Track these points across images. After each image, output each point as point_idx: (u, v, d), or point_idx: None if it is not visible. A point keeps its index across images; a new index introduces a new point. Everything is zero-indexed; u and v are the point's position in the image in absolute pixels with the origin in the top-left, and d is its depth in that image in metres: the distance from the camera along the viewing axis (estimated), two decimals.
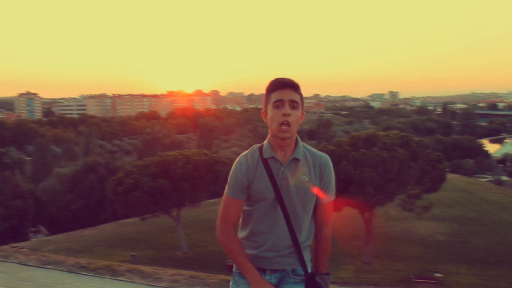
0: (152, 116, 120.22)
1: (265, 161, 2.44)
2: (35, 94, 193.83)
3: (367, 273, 28.18)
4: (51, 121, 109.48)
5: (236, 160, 2.52)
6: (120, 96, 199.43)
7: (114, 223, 39.34)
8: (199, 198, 30.81)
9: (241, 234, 2.58)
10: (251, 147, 2.55)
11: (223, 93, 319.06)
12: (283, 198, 2.41)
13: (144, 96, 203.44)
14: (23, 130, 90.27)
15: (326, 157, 2.51)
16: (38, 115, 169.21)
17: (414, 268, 28.43)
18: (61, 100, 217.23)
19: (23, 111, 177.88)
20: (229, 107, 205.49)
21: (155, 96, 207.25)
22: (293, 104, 2.39)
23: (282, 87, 2.40)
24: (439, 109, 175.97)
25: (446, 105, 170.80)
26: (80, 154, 67.78)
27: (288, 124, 2.36)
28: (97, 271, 8.06)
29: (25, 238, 39.98)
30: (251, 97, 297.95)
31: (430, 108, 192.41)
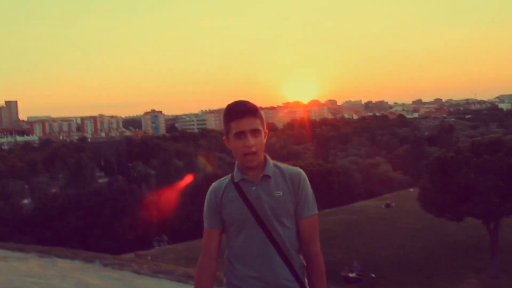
0: (270, 128, 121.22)
1: (236, 185, 2.41)
2: (159, 111, 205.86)
3: None
4: (173, 136, 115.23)
5: (209, 189, 2.51)
6: None
7: None
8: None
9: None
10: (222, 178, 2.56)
11: (339, 101, 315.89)
12: (260, 216, 2.34)
13: (261, 108, 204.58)
14: (149, 145, 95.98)
15: (298, 170, 2.45)
16: (162, 131, 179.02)
17: None
18: (183, 116, 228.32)
19: (149, 128, 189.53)
20: (346, 115, 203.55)
21: (271, 108, 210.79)
22: (255, 134, 2.34)
23: (240, 116, 2.33)
24: None
25: None
26: (200, 167, 70.55)
27: (253, 153, 2.33)
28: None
29: (150, 246, 42.28)
30: (368, 105, 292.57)
31: None
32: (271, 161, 2.45)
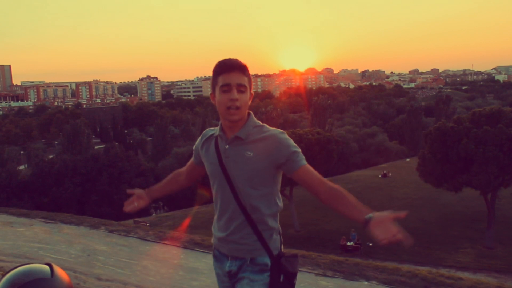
0: (265, 96, 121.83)
1: (215, 140, 2.51)
2: (155, 78, 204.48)
3: (488, 259, 26.66)
4: (169, 103, 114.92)
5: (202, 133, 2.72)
6: None
7: None
8: None
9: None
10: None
11: (336, 70, 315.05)
12: (229, 175, 2.42)
13: (257, 76, 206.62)
14: (144, 112, 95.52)
15: (274, 132, 2.41)
16: (158, 97, 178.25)
17: None
18: (178, 83, 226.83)
19: (145, 94, 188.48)
20: (342, 84, 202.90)
21: (268, 75, 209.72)
22: (241, 89, 2.36)
23: (229, 70, 2.36)
24: None
25: None
26: (197, 134, 70.48)
27: (236, 107, 2.36)
28: (211, 248, 8.24)
29: (147, 214, 42.42)
30: (365, 74, 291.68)
31: None
32: (253, 121, 2.46)
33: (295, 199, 31.95)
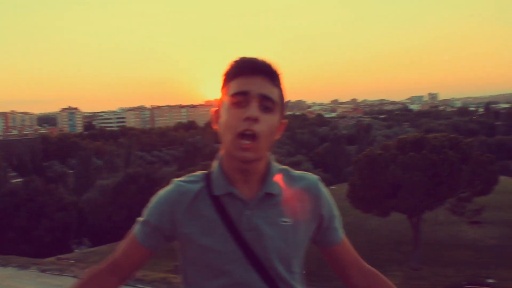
0: (190, 126, 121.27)
1: (216, 201, 1.45)
2: (76, 108, 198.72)
3: (415, 280, 27.45)
4: (92, 134, 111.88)
5: (166, 189, 1.52)
6: (158, 107, 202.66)
7: None
8: None
9: None
10: (191, 174, 1.55)
11: None
12: (259, 259, 1.44)
13: (182, 106, 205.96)
14: (65, 143, 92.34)
15: (315, 178, 1.55)
16: (79, 129, 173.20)
17: (465, 274, 27.54)
18: (101, 114, 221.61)
19: (65, 126, 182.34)
20: None
21: (192, 106, 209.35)
22: (266, 104, 1.40)
23: (250, 72, 1.41)
24: (481, 110, 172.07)
25: (489, 105, 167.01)
26: (121, 166, 68.74)
27: (253, 136, 1.36)
28: (153, 284, 7.85)
29: (69, 250, 40.62)
30: (287, 104, 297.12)
31: (472, 109, 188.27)
32: (276, 166, 1.52)
33: None
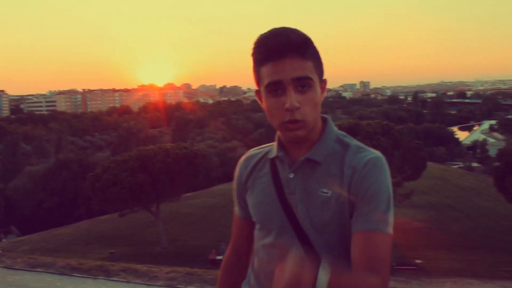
0: (124, 111, 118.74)
1: (272, 163, 1.54)
2: (2, 91, 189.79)
3: None
4: (19, 118, 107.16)
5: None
6: (90, 91, 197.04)
7: (89, 221, 38.65)
8: (179, 192, 30.51)
9: None
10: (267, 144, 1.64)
11: (195, 86, 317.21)
12: (299, 223, 1.45)
13: (115, 90, 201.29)
14: None
15: (371, 156, 1.42)
16: (6, 112, 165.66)
17: (394, 255, 28.54)
18: (29, 97, 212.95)
19: None
20: (201, 100, 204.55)
21: (126, 90, 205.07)
22: (302, 84, 1.37)
23: (277, 55, 1.37)
24: (409, 98, 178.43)
25: (417, 94, 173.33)
26: (52, 151, 66.52)
27: (296, 121, 1.38)
28: (90, 272, 7.72)
29: None
30: (223, 89, 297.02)
31: (401, 97, 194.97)
32: (333, 132, 1.51)
33: (162, 215, 31.35)
